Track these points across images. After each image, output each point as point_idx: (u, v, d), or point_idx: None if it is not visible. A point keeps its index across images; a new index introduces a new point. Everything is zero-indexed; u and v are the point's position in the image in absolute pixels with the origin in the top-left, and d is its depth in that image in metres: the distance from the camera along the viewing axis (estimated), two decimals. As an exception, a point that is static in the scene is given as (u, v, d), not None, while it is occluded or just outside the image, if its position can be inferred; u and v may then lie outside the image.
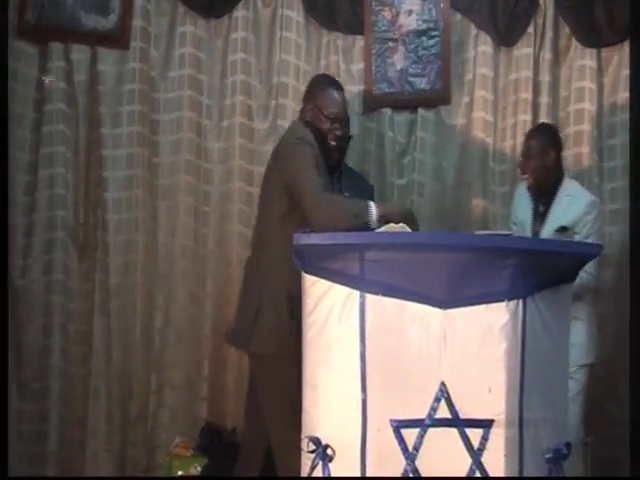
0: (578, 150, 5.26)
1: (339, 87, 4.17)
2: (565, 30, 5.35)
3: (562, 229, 4.48)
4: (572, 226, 4.47)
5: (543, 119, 5.24)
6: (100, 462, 5.16)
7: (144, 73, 5.32)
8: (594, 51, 5.32)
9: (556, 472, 3.17)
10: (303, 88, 5.25)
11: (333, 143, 4.05)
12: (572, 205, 4.55)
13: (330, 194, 3.76)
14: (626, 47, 5.24)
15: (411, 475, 3.05)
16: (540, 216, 4.63)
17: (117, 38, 5.25)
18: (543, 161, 4.63)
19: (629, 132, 3.54)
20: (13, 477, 4.12)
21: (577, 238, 4.44)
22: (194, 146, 5.37)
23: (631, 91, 3.89)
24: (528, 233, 4.56)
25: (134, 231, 5.27)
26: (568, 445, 3.24)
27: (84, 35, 5.20)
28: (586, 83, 5.29)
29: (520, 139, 5.18)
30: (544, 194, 4.63)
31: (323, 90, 4.09)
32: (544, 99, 5.30)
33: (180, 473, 4.92)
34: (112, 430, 5.18)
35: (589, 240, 4.39)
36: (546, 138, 4.68)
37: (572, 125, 5.30)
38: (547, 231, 4.55)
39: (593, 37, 5.31)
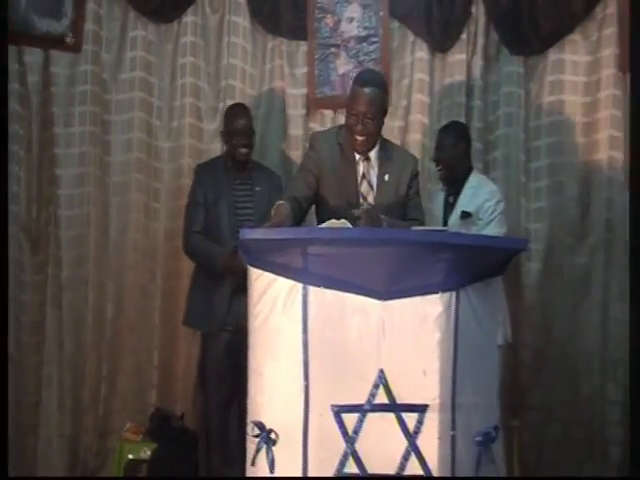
0: (506, 151, 5.31)
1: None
2: (495, 38, 5.38)
3: (465, 215, 4.50)
4: (475, 212, 4.50)
5: (475, 122, 5.28)
6: (53, 447, 5.14)
7: (96, 75, 5.29)
8: (521, 58, 5.36)
9: (485, 454, 3.19)
10: (250, 90, 5.34)
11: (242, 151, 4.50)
12: (475, 194, 4.58)
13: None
14: (550, 55, 5.34)
15: (350, 457, 3.05)
16: (450, 206, 4.65)
17: (69, 41, 5.20)
18: (452, 154, 4.66)
19: (630, 143, 3.54)
20: (13, 477, 4.07)
21: (479, 224, 4.47)
22: (145, 145, 5.35)
23: (632, 90, 3.87)
24: (440, 223, 4.57)
25: (86, 226, 5.25)
26: (496, 428, 3.27)
27: (37, 38, 5.15)
28: (514, 88, 5.33)
29: (454, 139, 5.27)
30: (454, 185, 4.67)
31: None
32: (476, 102, 5.32)
33: (130, 457, 4.92)
34: (64, 416, 5.16)
35: (491, 226, 4.43)
36: (456, 133, 4.71)
37: (501, 127, 5.34)
38: (454, 219, 4.57)
39: (520, 45, 5.35)
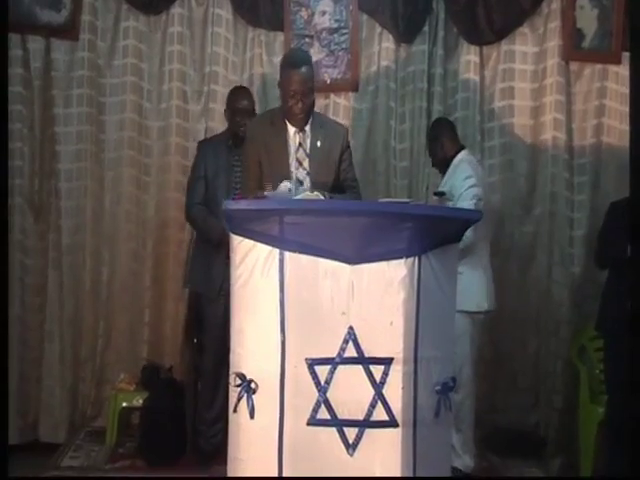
0: (464, 132, 5.28)
1: None
2: (454, 30, 5.34)
3: (438, 194, 4.49)
4: (449, 191, 4.48)
5: (436, 105, 5.26)
6: (55, 396, 5.13)
7: (92, 61, 5.24)
8: (477, 48, 5.32)
9: (444, 402, 3.19)
10: (232, 76, 5.29)
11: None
12: (451, 176, 4.57)
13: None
14: (502, 45, 5.33)
15: (322, 405, 3.05)
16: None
17: (68, 31, 5.16)
18: (433, 148, 4.71)
19: (629, 139, 3.50)
20: (13, 477, 4.02)
21: (453, 200, 4.46)
22: (136, 125, 5.30)
23: (631, 90, 3.82)
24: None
25: (83, 197, 5.22)
26: (454, 379, 3.26)
27: (39, 28, 5.10)
28: (470, 75, 5.30)
29: (417, 122, 5.27)
30: (443, 170, 4.66)
31: None
32: (437, 88, 5.29)
33: (124, 405, 4.96)
34: (65, 368, 5.15)
35: (459, 200, 4.39)
36: (435, 130, 4.74)
37: (459, 110, 5.32)
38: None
39: (476, 37, 5.32)
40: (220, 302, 4.40)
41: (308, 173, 3.74)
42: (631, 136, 3.46)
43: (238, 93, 4.68)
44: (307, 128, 3.78)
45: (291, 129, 3.78)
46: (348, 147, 3.98)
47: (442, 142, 4.66)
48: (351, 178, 3.95)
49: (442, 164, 4.67)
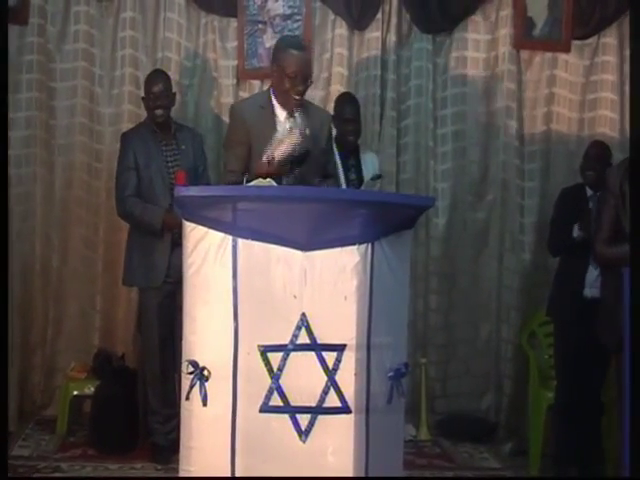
0: (417, 119, 5.31)
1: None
2: (407, 18, 5.33)
3: (376, 177, 4.45)
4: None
5: (389, 92, 5.26)
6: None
7: (42, 46, 5.14)
8: (430, 36, 5.32)
9: (396, 388, 3.19)
10: (184, 62, 5.24)
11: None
12: (367, 158, 4.67)
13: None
14: (455, 33, 5.34)
15: (275, 392, 3.03)
16: (353, 167, 4.62)
17: (17, 15, 5.01)
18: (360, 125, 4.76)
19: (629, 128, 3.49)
20: (13, 477, 3.94)
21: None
22: (87, 111, 5.21)
23: (632, 86, 3.82)
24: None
25: (33, 183, 5.14)
26: (406, 365, 3.27)
27: (-14, 11, 4.97)
28: (423, 62, 5.29)
29: (370, 109, 5.26)
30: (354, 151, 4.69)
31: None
32: (390, 76, 5.28)
33: (75, 393, 4.89)
34: (14, 356, 4.99)
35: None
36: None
37: (412, 98, 5.32)
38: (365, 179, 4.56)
39: (429, 25, 5.32)
40: (163, 289, 4.35)
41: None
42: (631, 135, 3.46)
43: (153, 77, 4.60)
44: (297, 114, 3.68)
45: (281, 114, 3.69)
46: (331, 134, 3.91)
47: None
48: (333, 166, 3.82)
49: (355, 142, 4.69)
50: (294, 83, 3.61)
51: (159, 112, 4.47)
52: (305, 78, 3.62)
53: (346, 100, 4.85)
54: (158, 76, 4.61)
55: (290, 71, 3.60)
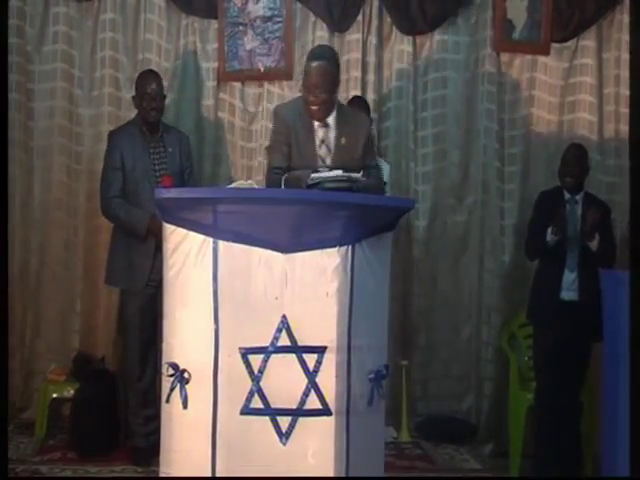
0: (397, 121, 5.32)
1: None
2: (387, 20, 5.34)
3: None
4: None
5: (370, 95, 5.25)
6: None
7: (20, 47, 5.11)
8: (410, 38, 5.33)
9: (377, 390, 3.20)
10: (165, 64, 5.22)
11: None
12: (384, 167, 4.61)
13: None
14: (435, 35, 5.35)
15: (256, 394, 3.03)
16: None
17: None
18: None
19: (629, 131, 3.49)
20: (13, 477, 3.91)
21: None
22: (67, 112, 5.19)
23: (631, 86, 3.82)
24: None
25: (12, 185, 4.95)
26: (387, 367, 3.28)
27: (-38, 11, 4.94)
28: (404, 64, 5.31)
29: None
30: None
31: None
32: (371, 77, 5.28)
33: (54, 396, 4.87)
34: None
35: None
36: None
37: (393, 100, 5.34)
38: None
39: (409, 27, 5.32)
40: (145, 293, 4.34)
41: (330, 170, 3.57)
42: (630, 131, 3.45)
43: (146, 77, 4.59)
44: (331, 123, 3.67)
45: (315, 122, 3.68)
46: (370, 136, 3.86)
47: None
48: (370, 165, 3.78)
49: None
50: (310, 93, 3.60)
51: (153, 113, 4.46)
52: (322, 88, 3.58)
53: (357, 103, 4.82)
54: (151, 76, 4.60)
55: (306, 81, 3.61)
